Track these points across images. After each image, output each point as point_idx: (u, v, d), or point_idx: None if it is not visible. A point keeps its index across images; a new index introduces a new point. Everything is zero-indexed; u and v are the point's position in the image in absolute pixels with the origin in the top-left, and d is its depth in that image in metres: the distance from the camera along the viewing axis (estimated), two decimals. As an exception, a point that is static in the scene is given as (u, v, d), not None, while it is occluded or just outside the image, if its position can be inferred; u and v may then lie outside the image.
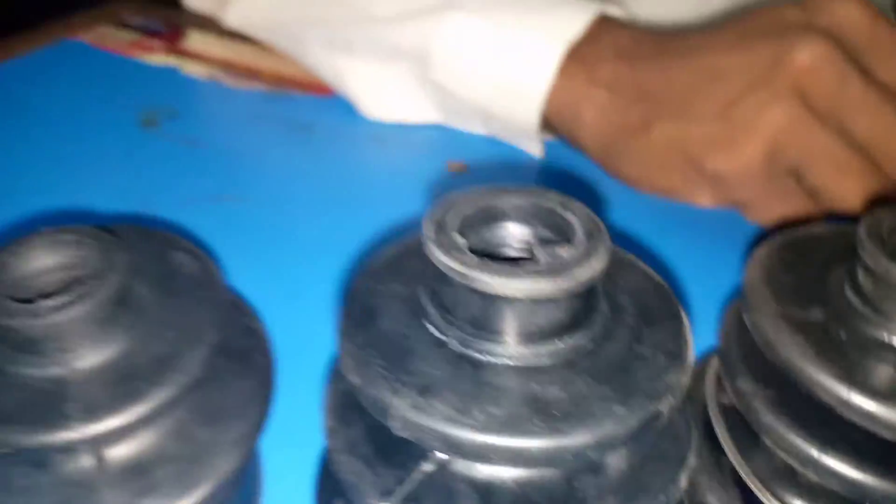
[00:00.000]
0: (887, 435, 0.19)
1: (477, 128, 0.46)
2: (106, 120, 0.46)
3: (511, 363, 0.17)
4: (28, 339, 0.19)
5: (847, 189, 0.36)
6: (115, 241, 0.21)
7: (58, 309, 0.19)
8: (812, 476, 0.21)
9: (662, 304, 0.20)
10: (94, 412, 0.19)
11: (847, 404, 0.19)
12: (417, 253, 0.19)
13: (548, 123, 0.42)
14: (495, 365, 0.17)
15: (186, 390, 0.20)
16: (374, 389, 0.17)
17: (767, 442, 0.22)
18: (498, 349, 0.17)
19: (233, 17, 0.52)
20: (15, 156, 0.43)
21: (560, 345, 0.17)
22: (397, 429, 0.17)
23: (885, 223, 0.21)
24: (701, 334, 0.32)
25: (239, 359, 0.23)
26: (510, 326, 0.17)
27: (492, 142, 0.45)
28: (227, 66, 0.52)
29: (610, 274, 0.20)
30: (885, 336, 0.20)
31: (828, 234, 0.24)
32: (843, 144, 0.35)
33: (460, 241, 0.17)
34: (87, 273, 0.20)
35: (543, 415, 0.16)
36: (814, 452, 0.20)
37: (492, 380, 0.17)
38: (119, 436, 0.19)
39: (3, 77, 0.50)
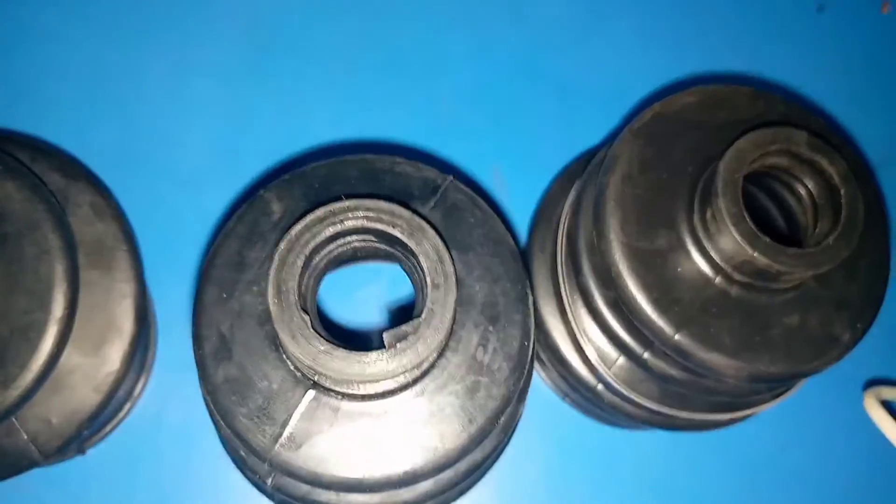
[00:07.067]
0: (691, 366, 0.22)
1: None
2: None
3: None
4: None
5: None
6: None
7: None
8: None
9: (512, 288, 0.20)
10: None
11: (669, 343, 0.22)
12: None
13: None
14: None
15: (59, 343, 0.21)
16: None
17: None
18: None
19: None
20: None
21: (405, 378, 0.19)
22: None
23: (747, 158, 0.21)
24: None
25: (104, 266, 0.23)
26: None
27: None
28: None
29: (462, 254, 0.20)
30: (715, 279, 0.21)
31: (695, 109, 0.23)
32: None
33: (305, 318, 0.17)
34: None
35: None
36: (636, 348, 0.24)
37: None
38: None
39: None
